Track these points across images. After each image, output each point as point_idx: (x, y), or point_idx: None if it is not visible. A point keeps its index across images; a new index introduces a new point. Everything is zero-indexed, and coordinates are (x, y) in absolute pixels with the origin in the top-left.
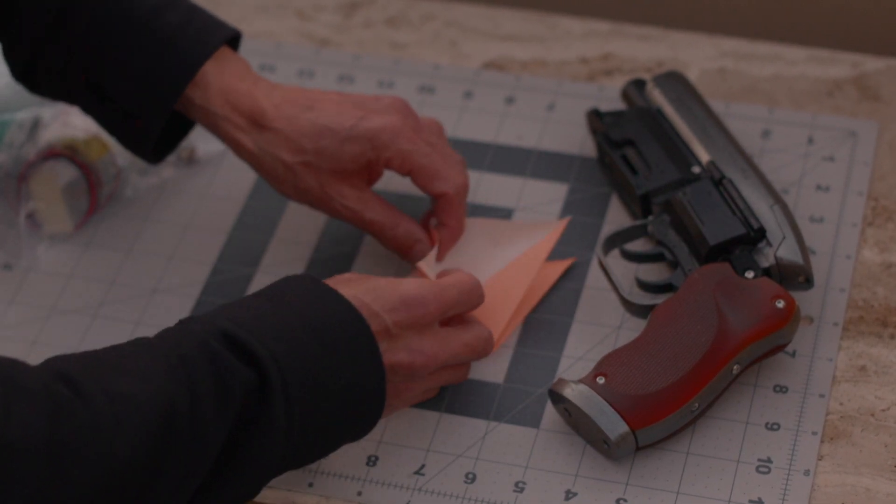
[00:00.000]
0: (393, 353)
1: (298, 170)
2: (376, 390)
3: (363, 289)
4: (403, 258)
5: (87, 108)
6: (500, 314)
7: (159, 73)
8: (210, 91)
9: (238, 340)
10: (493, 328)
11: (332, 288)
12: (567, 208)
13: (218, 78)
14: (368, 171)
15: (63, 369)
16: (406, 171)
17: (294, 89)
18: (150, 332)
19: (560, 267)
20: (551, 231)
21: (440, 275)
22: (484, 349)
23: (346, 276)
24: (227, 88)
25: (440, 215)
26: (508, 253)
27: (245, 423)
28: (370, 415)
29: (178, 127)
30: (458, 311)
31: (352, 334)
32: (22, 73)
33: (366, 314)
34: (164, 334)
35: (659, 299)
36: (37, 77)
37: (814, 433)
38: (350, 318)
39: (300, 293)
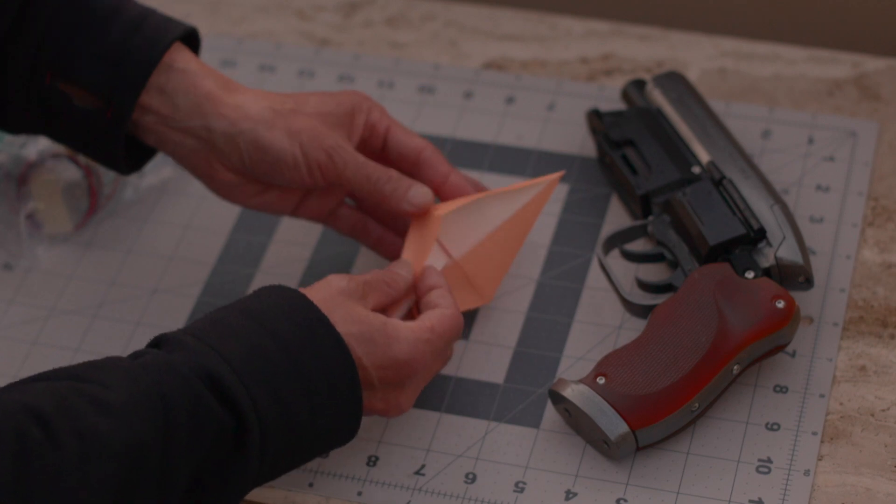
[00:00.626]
0: (369, 401)
1: (288, 113)
2: (349, 432)
3: (358, 332)
4: (398, 207)
5: (55, 121)
6: (495, 271)
7: (133, 47)
8: (183, 57)
9: (222, 384)
10: (487, 284)
11: (330, 323)
12: (567, 208)
13: (188, 52)
14: (349, 125)
15: (36, 405)
16: (385, 126)
17: None
18: (151, 332)
19: (550, 186)
20: (544, 186)
21: (423, 282)
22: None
23: (339, 284)
24: (198, 60)
25: (434, 169)
26: (502, 211)
27: (215, 465)
28: (336, 446)
29: (143, 147)
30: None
31: (340, 385)
32: None
33: (355, 363)
34: (149, 363)
35: (659, 299)
36: (2, 96)
37: (814, 433)
38: (341, 365)
39: (294, 322)
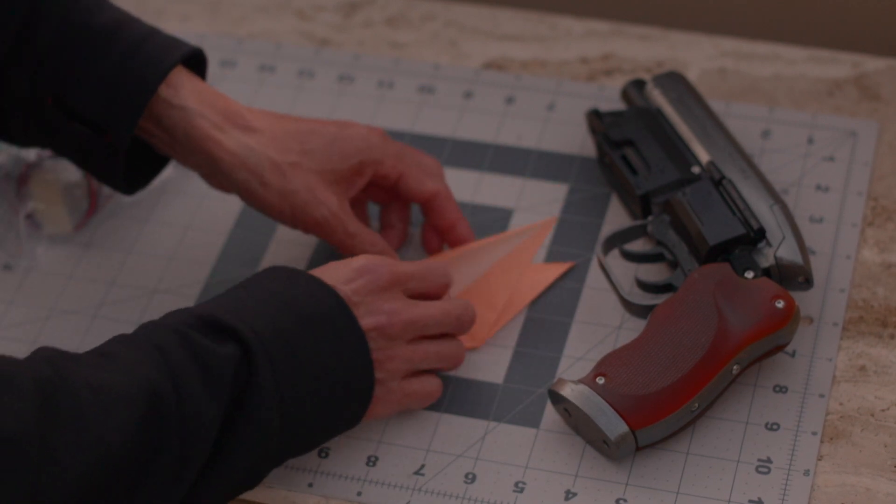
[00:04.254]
0: (360, 319)
1: (286, 170)
2: (361, 360)
3: (321, 269)
4: None
5: (57, 139)
6: (487, 313)
7: (129, 76)
8: (183, 90)
9: (216, 321)
10: (479, 326)
11: (296, 269)
12: (567, 208)
13: (189, 80)
14: (352, 180)
15: (48, 358)
16: (397, 174)
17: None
18: None
19: (558, 269)
20: (537, 231)
21: None
22: (460, 319)
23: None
24: (200, 88)
25: (444, 215)
26: (494, 254)
27: (237, 400)
28: (362, 390)
29: (148, 164)
30: (419, 287)
31: (326, 309)
32: None
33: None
34: (142, 327)
35: (659, 299)
36: (4, 114)
37: (814, 433)
38: (322, 293)
39: (273, 278)
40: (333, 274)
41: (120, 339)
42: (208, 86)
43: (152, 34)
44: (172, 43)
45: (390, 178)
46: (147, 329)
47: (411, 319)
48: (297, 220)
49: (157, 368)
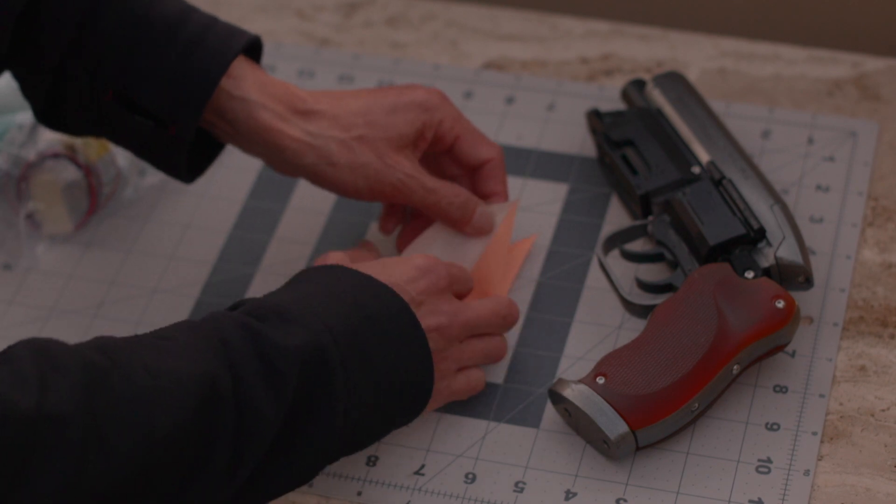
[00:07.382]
0: (423, 318)
1: (353, 144)
2: (422, 361)
3: (375, 269)
4: (461, 229)
5: (117, 131)
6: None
7: (191, 69)
8: (245, 82)
9: (287, 314)
10: None
11: (358, 271)
12: (567, 208)
13: (250, 70)
14: (418, 143)
15: (102, 345)
16: (454, 136)
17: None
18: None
19: (524, 246)
20: (506, 214)
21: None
22: (506, 319)
23: (335, 255)
24: (262, 79)
25: (487, 184)
26: (475, 246)
27: (303, 398)
28: (421, 391)
29: (207, 150)
30: (462, 289)
31: (392, 311)
32: (44, 108)
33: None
34: (210, 316)
35: (659, 299)
36: (62, 105)
37: (814, 433)
38: (388, 294)
39: (334, 277)
40: (394, 272)
41: (185, 327)
42: (268, 75)
43: (212, 24)
44: (232, 33)
45: (446, 141)
46: (214, 319)
47: (468, 320)
48: (375, 190)
49: (219, 362)
